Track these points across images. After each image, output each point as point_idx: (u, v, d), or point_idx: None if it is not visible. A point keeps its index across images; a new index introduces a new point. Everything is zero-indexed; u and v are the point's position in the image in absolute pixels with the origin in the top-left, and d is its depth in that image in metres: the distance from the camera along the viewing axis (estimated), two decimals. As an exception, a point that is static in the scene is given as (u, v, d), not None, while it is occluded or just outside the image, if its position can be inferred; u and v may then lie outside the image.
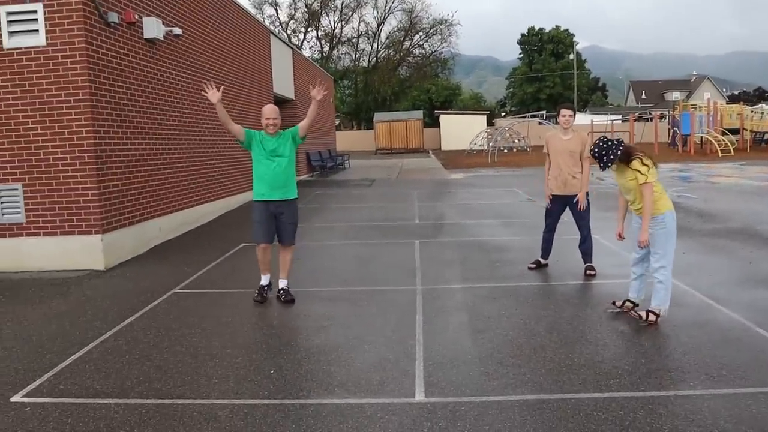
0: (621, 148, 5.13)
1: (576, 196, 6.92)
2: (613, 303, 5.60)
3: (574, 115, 6.98)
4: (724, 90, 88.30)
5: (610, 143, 5.15)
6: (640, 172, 5.05)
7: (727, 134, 30.61)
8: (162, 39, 9.75)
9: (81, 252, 7.96)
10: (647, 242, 5.15)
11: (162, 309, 6.11)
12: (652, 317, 5.16)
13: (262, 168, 6.16)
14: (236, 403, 3.95)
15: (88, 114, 7.81)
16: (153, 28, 9.32)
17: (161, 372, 4.48)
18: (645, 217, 5.10)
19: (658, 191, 5.16)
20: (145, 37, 9.32)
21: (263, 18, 55.01)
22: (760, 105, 44.88)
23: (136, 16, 9.00)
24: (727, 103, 47.44)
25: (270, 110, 6.23)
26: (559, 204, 7.13)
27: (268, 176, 6.12)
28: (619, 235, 5.64)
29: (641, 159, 5.10)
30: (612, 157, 5.13)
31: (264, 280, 6.37)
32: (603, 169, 5.29)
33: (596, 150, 5.18)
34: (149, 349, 4.98)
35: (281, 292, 6.28)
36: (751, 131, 33.12)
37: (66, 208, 7.94)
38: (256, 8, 57.55)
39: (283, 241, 6.29)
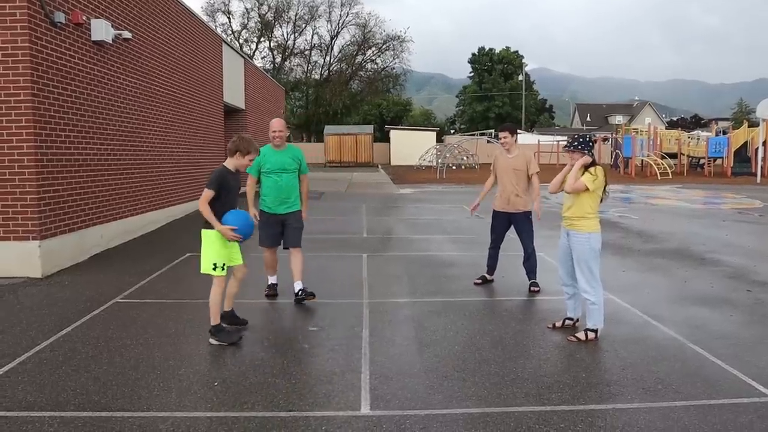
0: (592, 146, 5.41)
1: (519, 213, 7.08)
2: (553, 325, 5.72)
3: (513, 135, 7.13)
4: (663, 116, 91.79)
5: (589, 139, 5.42)
6: (590, 173, 5.25)
7: (665, 158, 31.82)
8: (110, 42, 9.54)
9: (17, 259, 7.65)
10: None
11: (102, 319, 5.94)
12: (590, 335, 5.31)
13: (268, 182, 6.51)
14: (178, 416, 3.86)
15: (30, 116, 7.56)
16: (101, 30, 9.11)
17: (99, 384, 4.35)
18: (560, 175, 5.40)
19: (592, 211, 5.32)
20: (92, 39, 9.09)
21: (216, 26, 54.49)
22: (696, 131, 46.89)
23: (84, 18, 8.78)
24: (666, 129, 49.31)
25: (278, 124, 6.59)
26: (503, 221, 7.27)
27: (273, 190, 6.49)
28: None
29: (600, 169, 5.33)
30: (588, 146, 5.33)
31: (272, 279, 6.84)
32: (569, 147, 5.41)
33: (578, 136, 5.42)
34: (87, 360, 4.83)
35: (300, 293, 6.47)
36: (687, 156, 34.51)
37: (1, 212, 7.63)
38: (209, 16, 56.99)
39: (289, 244, 6.61)
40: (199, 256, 5.24)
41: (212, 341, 5.21)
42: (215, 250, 5.16)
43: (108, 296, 6.74)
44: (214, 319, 5.25)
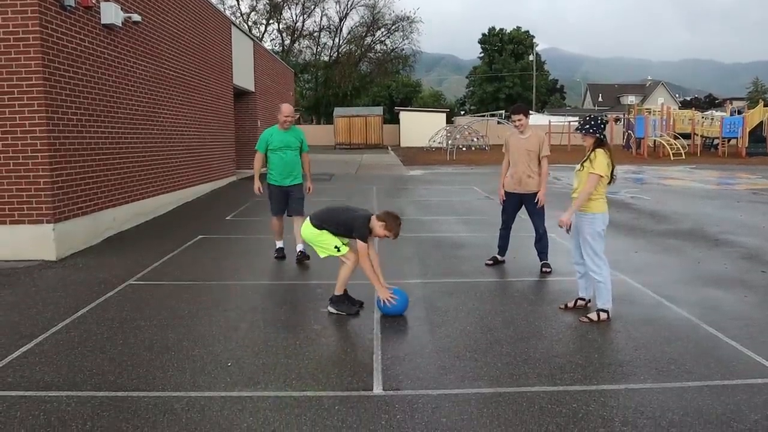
0: (604, 128, 5.38)
1: (531, 194, 7.04)
2: (565, 306, 5.70)
3: (526, 116, 7.07)
4: (677, 95, 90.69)
5: (600, 121, 5.38)
6: (591, 160, 5.22)
7: (679, 138, 31.50)
8: (120, 25, 9.52)
9: (31, 242, 7.73)
10: (567, 223, 5.32)
11: (116, 301, 5.99)
12: (603, 315, 5.30)
13: (274, 159, 7.58)
14: (192, 395, 3.90)
15: (42, 100, 7.58)
16: (111, 13, 9.09)
17: (115, 364, 4.40)
18: (575, 202, 5.28)
19: (598, 193, 5.29)
20: (102, 22, 9.08)
21: (224, 8, 54.21)
22: (710, 111, 46.32)
23: (94, 1, 8.76)
24: (679, 109, 48.77)
25: (288, 109, 7.57)
26: (514, 201, 7.24)
27: (279, 165, 7.57)
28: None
29: (606, 153, 5.26)
30: (597, 129, 5.31)
31: (279, 244, 7.85)
32: (580, 130, 5.44)
33: (590, 119, 5.38)
34: (103, 341, 4.88)
35: (300, 253, 7.59)
36: (701, 136, 34.14)
37: (16, 196, 7.69)
38: (217, -2, 56.67)
39: (293, 212, 7.69)
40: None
41: (330, 309, 5.58)
42: (329, 237, 5.52)
43: (121, 278, 6.80)
44: (338, 290, 5.59)
